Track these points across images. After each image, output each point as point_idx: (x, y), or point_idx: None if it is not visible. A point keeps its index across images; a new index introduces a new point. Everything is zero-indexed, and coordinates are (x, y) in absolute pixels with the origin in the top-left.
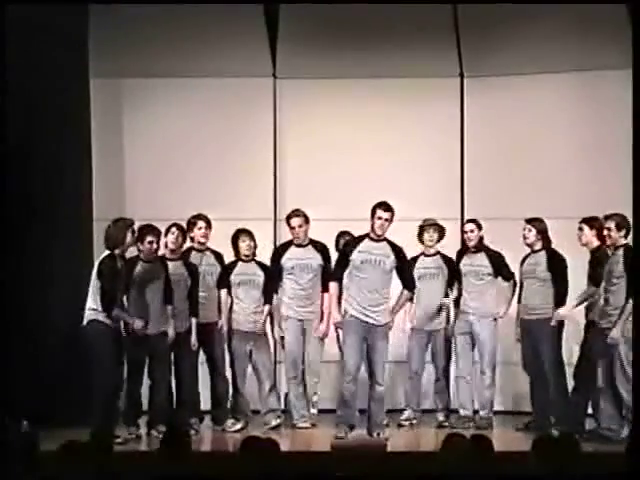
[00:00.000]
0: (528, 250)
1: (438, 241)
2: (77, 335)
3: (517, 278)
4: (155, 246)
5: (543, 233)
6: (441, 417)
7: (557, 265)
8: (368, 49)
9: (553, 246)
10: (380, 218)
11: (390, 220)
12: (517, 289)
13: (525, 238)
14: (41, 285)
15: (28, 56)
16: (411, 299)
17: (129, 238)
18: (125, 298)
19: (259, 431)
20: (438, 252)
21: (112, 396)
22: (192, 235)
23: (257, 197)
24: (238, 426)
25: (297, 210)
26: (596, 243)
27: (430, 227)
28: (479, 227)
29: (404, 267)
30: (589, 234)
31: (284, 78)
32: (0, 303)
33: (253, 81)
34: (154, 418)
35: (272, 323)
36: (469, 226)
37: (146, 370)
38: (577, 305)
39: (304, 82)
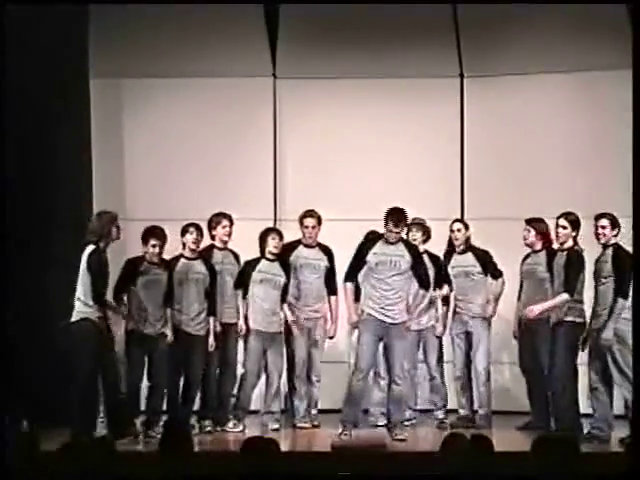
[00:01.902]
0: (526, 250)
1: (425, 241)
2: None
3: (514, 277)
4: (158, 250)
5: (543, 233)
6: (441, 415)
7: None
8: (368, 49)
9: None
10: (391, 231)
11: (404, 228)
12: (518, 288)
13: (525, 239)
14: (41, 285)
15: (28, 56)
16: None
17: (114, 232)
18: (126, 297)
19: (259, 432)
20: (426, 251)
21: (91, 396)
22: (214, 233)
23: (257, 197)
24: (240, 427)
25: (312, 210)
26: (570, 243)
27: (413, 226)
28: (466, 227)
29: (418, 266)
30: (569, 233)
31: (284, 78)
32: (0, 303)
33: (253, 81)
34: (151, 419)
35: (295, 322)
36: (456, 225)
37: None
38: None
39: (304, 82)
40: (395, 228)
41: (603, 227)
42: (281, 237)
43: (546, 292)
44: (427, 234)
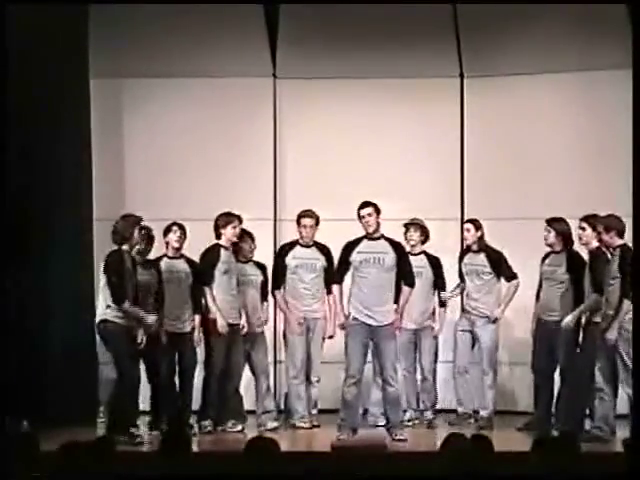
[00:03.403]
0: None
1: (424, 242)
2: (77, 335)
3: (537, 277)
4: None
5: (564, 234)
6: (430, 416)
7: (578, 267)
8: (368, 49)
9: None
10: (363, 217)
11: (376, 214)
12: (536, 288)
13: (545, 239)
14: (41, 285)
15: (28, 56)
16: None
17: (136, 234)
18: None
19: (256, 431)
20: (423, 251)
21: (126, 393)
22: (222, 232)
23: (257, 197)
24: (240, 427)
25: (309, 211)
26: (595, 244)
27: (411, 226)
28: (477, 227)
29: (403, 262)
30: (590, 234)
31: (284, 78)
32: (0, 303)
33: (253, 81)
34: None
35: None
36: (466, 226)
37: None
38: (579, 315)
39: (304, 82)
40: (366, 208)
41: (600, 232)
42: (253, 239)
43: (566, 294)
44: (425, 234)
